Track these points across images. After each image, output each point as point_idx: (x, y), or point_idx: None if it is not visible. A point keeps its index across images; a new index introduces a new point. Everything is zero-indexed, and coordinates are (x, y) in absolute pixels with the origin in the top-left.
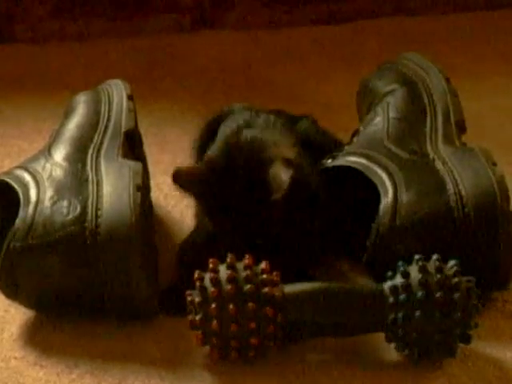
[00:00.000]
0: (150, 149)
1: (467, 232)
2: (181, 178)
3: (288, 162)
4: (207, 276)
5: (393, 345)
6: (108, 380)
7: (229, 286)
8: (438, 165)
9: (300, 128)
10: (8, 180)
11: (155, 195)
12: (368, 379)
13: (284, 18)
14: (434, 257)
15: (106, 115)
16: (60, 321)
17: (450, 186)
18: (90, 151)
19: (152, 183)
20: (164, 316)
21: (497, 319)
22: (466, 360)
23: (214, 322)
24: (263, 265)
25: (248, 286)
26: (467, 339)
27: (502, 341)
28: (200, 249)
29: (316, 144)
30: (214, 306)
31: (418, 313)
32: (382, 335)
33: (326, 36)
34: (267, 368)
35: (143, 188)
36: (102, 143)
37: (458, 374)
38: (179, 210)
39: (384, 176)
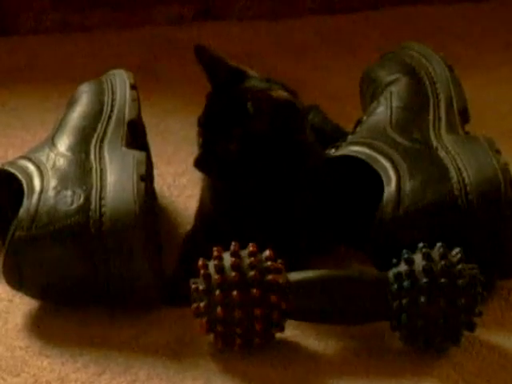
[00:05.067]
0: (152, 139)
1: (471, 220)
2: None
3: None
4: (211, 263)
5: (397, 334)
6: (113, 369)
7: (233, 273)
8: (442, 153)
9: (308, 117)
10: (12, 170)
11: (158, 185)
12: (372, 367)
13: (287, 9)
14: (438, 244)
15: (110, 105)
16: (64, 310)
17: (453, 174)
18: (94, 141)
19: (155, 173)
20: (168, 306)
21: (501, 308)
22: (470, 348)
23: (219, 309)
24: (267, 252)
25: (252, 273)
26: (472, 327)
27: (506, 329)
28: (204, 239)
29: (324, 133)
30: (218, 292)
31: (422, 299)
32: (386, 324)
33: (329, 26)
34: (271, 357)
35: (147, 177)
36: (105, 133)
37: (463, 362)
38: (182, 200)
39: (387, 165)
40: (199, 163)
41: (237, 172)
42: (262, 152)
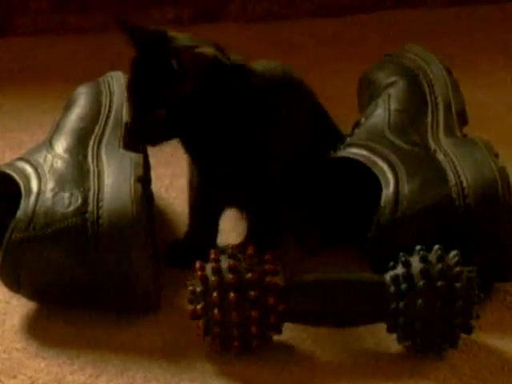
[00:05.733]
0: None
1: (469, 223)
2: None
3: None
4: (209, 266)
5: (394, 336)
6: (109, 371)
7: (230, 275)
8: (440, 156)
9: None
10: (9, 172)
11: (156, 187)
12: (370, 369)
13: (284, 11)
14: (436, 247)
15: (107, 107)
16: (61, 312)
17: (451, 177)
18: (91, 143)
19: (153, 175)
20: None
21: (498, 310)
22: (467, 351)
23: (216, 311)
24: (265, 254)
25: (249, 275)
26: (469, 329)
27: (503, 332)
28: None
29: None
30: (215, 294)
31: (419, 301)
32: (383, 326)
33: (327, 29)
34: (268, 359)
35: (144, 179)
36: (103, 134)
37: (460, 364)
38: (180, 201)
39: (385, 167)
40: (131, 132)
41: (171, 135)
42: (194, 113)
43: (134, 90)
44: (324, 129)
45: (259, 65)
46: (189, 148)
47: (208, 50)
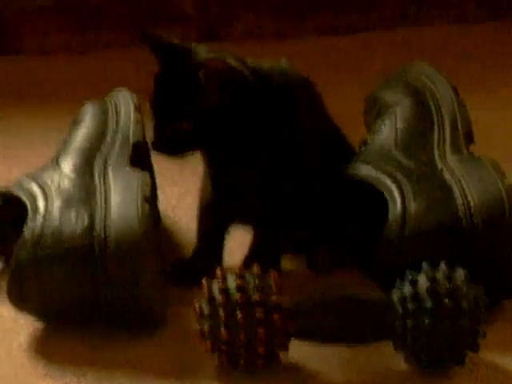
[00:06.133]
0: (156, 159)
1: (475, 242)
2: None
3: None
4: (215, 285)
5: (401, 354)
6: None
7: (237, 295)
8: (446, 175)
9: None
10: (16, 192)
11: (163, 206)
12: None
13: (290, 30)
14: (443, 265)
15: (114, 127)
16: (68, 331)
17: (457, 196)
18: (98, 162)
19: (159, 194)
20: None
21: (505, 329)
22: (474, 369)
23: (223, 330)
24: (272, 274)
25: (256, 294)
26: (476, 348)
27: (510, 350)
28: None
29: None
30: (222, 314)
31: (426, 320)
32: (390, 344)
33: (332, 47)
34: (275, 377)
35: (151, 199)
36: (109, 154)
37: (467, 383)
38: (186, 221)
39: (392, 186)
40: (155, 146)
41: (193, 146)
42: (217, 125)
43: (157, 103)
44: (336, 142)
45: (267, 66)
46: (210, 157)
47: (233, 63)
